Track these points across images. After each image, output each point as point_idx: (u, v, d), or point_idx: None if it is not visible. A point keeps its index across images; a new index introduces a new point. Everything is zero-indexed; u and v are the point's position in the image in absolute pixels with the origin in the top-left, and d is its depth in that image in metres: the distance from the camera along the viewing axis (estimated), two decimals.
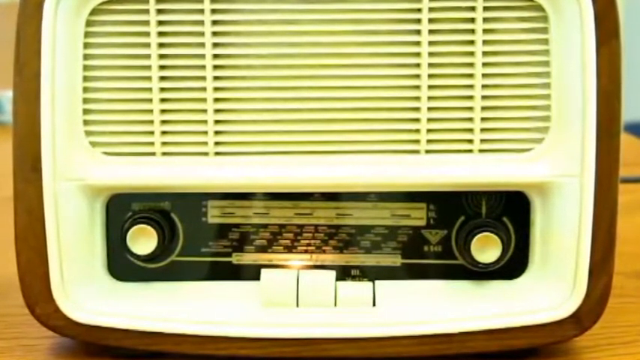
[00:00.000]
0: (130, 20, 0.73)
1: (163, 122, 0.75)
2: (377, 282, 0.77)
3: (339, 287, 0.76)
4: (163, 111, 0.74)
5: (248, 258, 0.78)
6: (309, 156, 0.74)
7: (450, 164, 0.74)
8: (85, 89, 0.74)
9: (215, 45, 0.73)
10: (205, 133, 0.74)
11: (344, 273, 0.77)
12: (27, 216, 0.74)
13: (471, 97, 0.74)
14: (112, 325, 0.75)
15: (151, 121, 0.74)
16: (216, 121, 0.74)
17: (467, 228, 0.76)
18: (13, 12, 0.74)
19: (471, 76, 0.74)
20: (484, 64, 0.73)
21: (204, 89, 0.74)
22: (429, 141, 0.74)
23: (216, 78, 0.74)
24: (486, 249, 0.75)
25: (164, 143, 0.75)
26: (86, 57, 0.74)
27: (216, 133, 0.75)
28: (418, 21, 0.73)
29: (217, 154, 0.75)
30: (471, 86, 0.74)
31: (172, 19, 0.73)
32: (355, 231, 0.77)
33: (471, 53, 0.74)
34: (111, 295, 0.76)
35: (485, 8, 0.73)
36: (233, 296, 0.76)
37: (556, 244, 0.75)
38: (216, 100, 0.74)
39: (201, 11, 0.73)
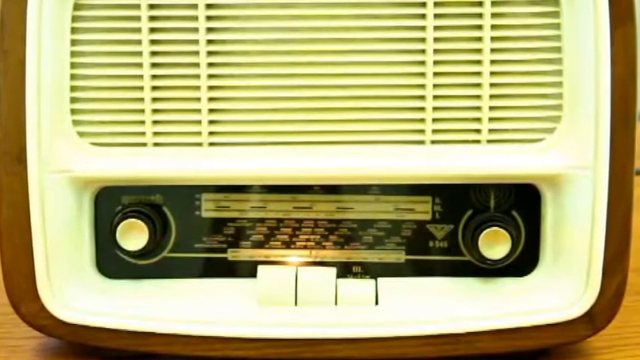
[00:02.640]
0: (120, 4, 0.72)
1: (155, 111, 0.73)
2: (380, 279, 0.76)
3: (339, 285, 0.75)
4: (155, 99, 0.73)
5: (244, 254, 0.77)
6: (308, 147, 0.73)
7: (456, 155, 0.73)
8: (73, 77, 0.73)
9: (209, 30, 0.72)
10: (199, 122, 0.73)
11: (345, 270, 0.77)
12: (12, 210, 0.73)
13: (478, 85, 0.73)
14: (101, 324, 0.74)
15: (142, 110, 0.73)
16: (211, 110, 0.73)
17: (474, 222, 0.75)
18: None
19: (478, 62, 0.73)
20: (492, 50, 0.72)
21: (197, 76, 0.73)
22: (434, 131, 0.73)
23: (210, 65, 0.72)
24: (495, 244, 0.74)
25: (156, 133, 0.73)
26: (74, 43, 0.72)
27: (211, 122, 0.73)
28: (423, 4, 0.72)
29: (212, 144, 0.73)
30: (478, 73, 0.73)
31: (164, 2, 0.72)
32: (357, 226, 0.76)
33: (479, 39, 0.72)
34: (100, 294, 0.75)
35: None
36: (228, 294, 0.75)
37: (568, 240, 0.74)
38: (211, 87, 0.73)
39: None
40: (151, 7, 0.72)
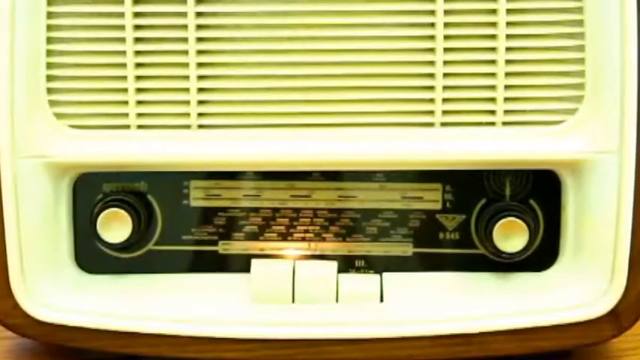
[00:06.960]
0: None
1: (139, 90, 0.72)
2: (385, 274, 0.75)
3: (341, 280, 0.74)
4: (139, 77, 0.72)
5: (236, 247, 0.76)
6: (306, 129, 0.72)
7: (469, 139, 0.72)
8: (49, 52, 0.72)
9: (198, 1, 0.71)
10: (187, 102, 0.72)
11: (347, 264, 0.76)
12: None
13: (493, 62, 0.72)
14: (80, 324, 0.73)
15: (125, 90, 0.72)
16: (200, 89, 0.72)
17: (488, 212, 0.74)
18: None
19: (493, 37, 0.71)
20: (508, 24, 0.71)
21: (185, 52, 0.71)
22: (444, 112, 0.72)
23: (199, 39, 0.71)
24: (511, 236, 0.72)
25: (140, 115, 0.72)
26: (50, 15, 0.71)
27: (200, 102, 0.72)
28: None
29: (201, 126, 0.72)
30: (493, 49, 0.71)
31: None
32: (360, 216, 0.75)
33: (493, 11, 0.71)
34: (79, 290, 0.74)
35: None
36: (219, 291, 0.75)
37: (591, 231, 0.73)
38: (200, 65, 0.72)
39: None
40: None
